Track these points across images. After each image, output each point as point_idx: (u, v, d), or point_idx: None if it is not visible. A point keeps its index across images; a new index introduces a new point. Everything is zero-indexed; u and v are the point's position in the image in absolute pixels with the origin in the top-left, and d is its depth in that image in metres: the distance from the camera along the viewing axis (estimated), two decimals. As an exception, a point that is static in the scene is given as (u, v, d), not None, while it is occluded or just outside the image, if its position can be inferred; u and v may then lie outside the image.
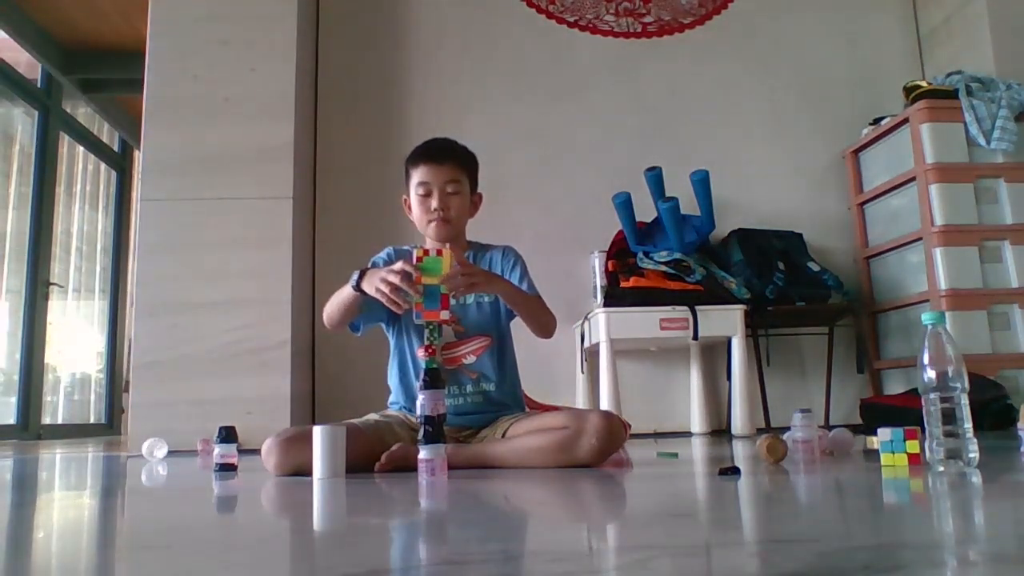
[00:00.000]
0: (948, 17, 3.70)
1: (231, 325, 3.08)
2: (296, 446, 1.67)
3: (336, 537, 1.02)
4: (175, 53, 3.27)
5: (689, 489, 1.41)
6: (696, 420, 3.41)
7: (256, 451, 1.82)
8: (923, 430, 1.40)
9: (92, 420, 5.72)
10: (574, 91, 3.76)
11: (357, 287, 1.76)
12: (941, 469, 1.33)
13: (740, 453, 2.17)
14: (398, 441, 1.74)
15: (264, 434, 1.78)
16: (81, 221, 5.61)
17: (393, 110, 3.71)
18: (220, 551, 0.89)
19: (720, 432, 3.39)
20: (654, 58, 3.82)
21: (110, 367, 5.77)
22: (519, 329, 1.95)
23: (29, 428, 4.63)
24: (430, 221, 1.91)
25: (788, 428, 1.85)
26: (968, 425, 1.33)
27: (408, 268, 1.68)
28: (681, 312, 3.07)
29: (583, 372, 3.36)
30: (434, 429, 1.52)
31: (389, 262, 1.88)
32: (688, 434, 3.36)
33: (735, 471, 1.47)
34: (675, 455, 2.06)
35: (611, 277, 3.29)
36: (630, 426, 2.02)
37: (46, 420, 4.95)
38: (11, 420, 4.59)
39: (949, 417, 1.32)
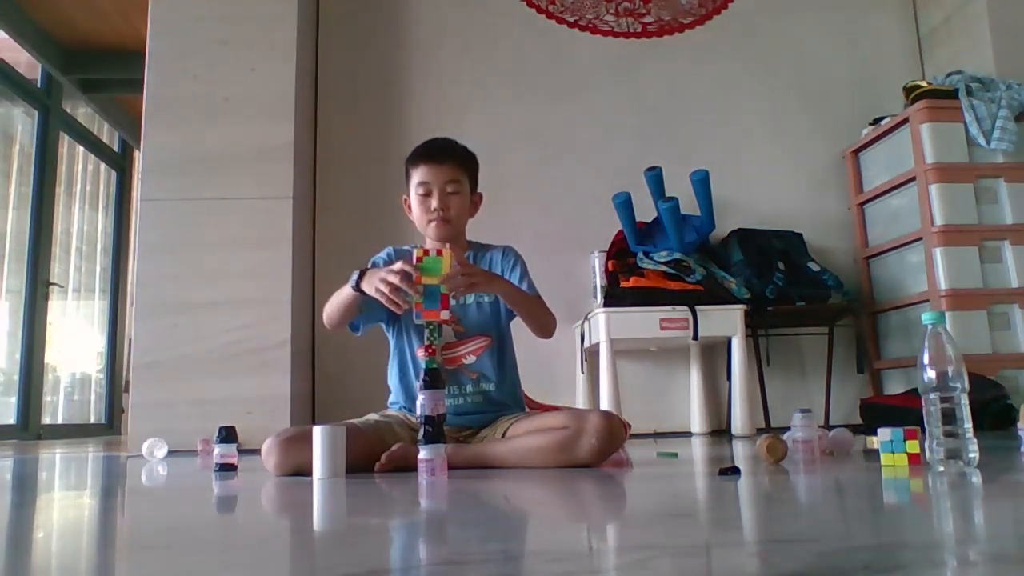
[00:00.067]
0: (948, 17, 3.70)
1: (231, 325, 3.08)
2: (296, 446, 1.67)
3: (336, 537, 1.01)
4: (175, 53, 3.27)
5: (689, 489, 1.41)
6: (696, 420, 3.41)
7: (256, 451, 1.82)
8: (923, 430, 1.40)
9: (92, 420, 5.72)
10: (574, 91, 3.76)
11: (357, 287, 1.76)
12: (941, 469, 1.33)
13: (740, 453, 2.17)
14: (398, 441, 1.74)
15: (264, 434, 1.78)
16: (81, 221, 5.61)
17: (393, 110, 3.71)
18: (220, 551, 0.89)
19: (720, 432, 3.39)
20: (654, 58, 3.82)
21: (110, 367, 5.78)
22: (519, 329, 1.95)
23: (29, 428, 4.63)
24: (430, 221, 1.91)
25: (788, 428, 1.85)
26: (968, 425, 1.33)
27: (408, 268, 1.68)
28: (681, 312, 3.07)
29: (583, 372, 3.36)
30: (434, 429, 1.52)
31: (389, 262, 1.88)
32: (688, 434, 3.36)
33: (735, 471, 1.47)
34: (675, 455, 2.06)
35: (611, 277, 3.29)
36: (630, 426, 2.02)
37: (46, 420, 4.95)
38: (11, 420, 4.59)
39: (949, 417, 1.32)
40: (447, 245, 1.83)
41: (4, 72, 4.54)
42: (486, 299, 1.92)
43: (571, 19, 3.84)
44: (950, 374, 1.32)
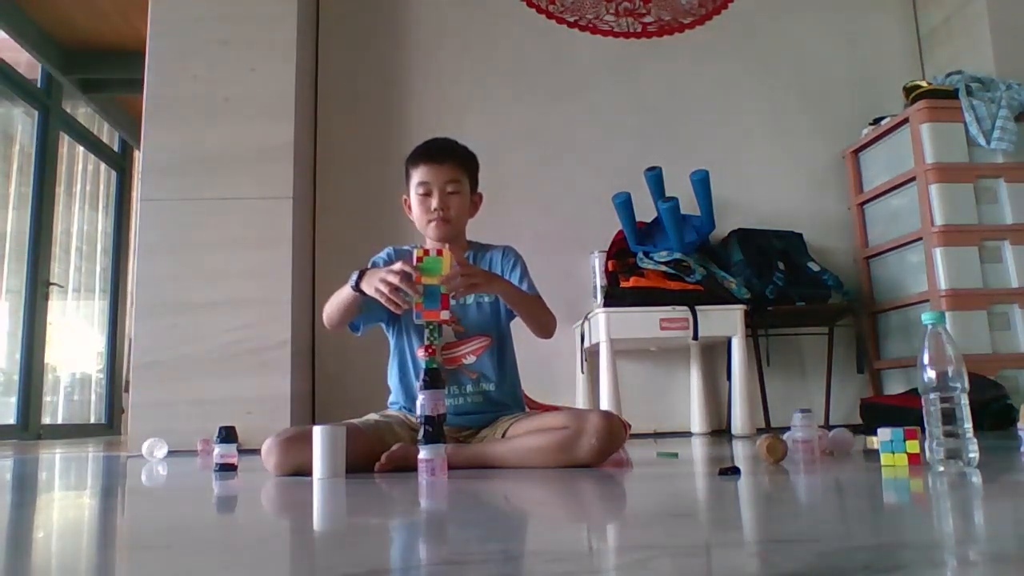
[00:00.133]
0: (948, 17, 3.70)
1: (231, 325, 3.08)
2: (296, 446, 1.67)
3: (336, 537, 1.01)
4: (175, 53, 3.27)
5: (689, 489, 1.41)
6: (696, 420, 3.41)
7: (256, 451, 1.82)
8: (923, 430, 1.40)
9: (92, 420, 5.72)
10: (574, 91, 3.76)
11: (356, 287, 1.76)
12: (941, 469, 1.33)
13: (740, 453, 2.17)
14: (398, 441, 1.74)
15: (264, 434, 1.78)
16: (81, 221, 5.61)
17: (393, 110, 3.72)
18: (220, 551, 0.89)
19: (720, 432, 3.39)
20: (654, 58, 3.82)
21: (110, 367, 5.78)
22: (519, 329, 1.95)
23: (29, 428, 4.63)
24: (430, 221, 1.91)
25: (788, 428, 1.85)
26: (968, 425, 1.33)
27: (407, 268, 1.68)
28: (681, 312, 3.07)
29: (583, 372, 3.36)
30: (434, 429, 1.52)
31: (389, 262, 1.88)
32: (688, 434, 3.36)
33: (735, 471, 1.47)
34: (675, 455, 2.06)
35: (611, 277, 3.29)
36: (630, 426, 2.02)
37: (46, 420, 4.95)
38: (11, 420, 4.59)
39: (949, 417, 1.32)
40: (447, 245, 1.83)
41: (4, 72, 4.54)
42: (486, 299, 1.92)
43: (571, 19, 3.84)
44: (950, 374, 1.32)
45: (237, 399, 2.98)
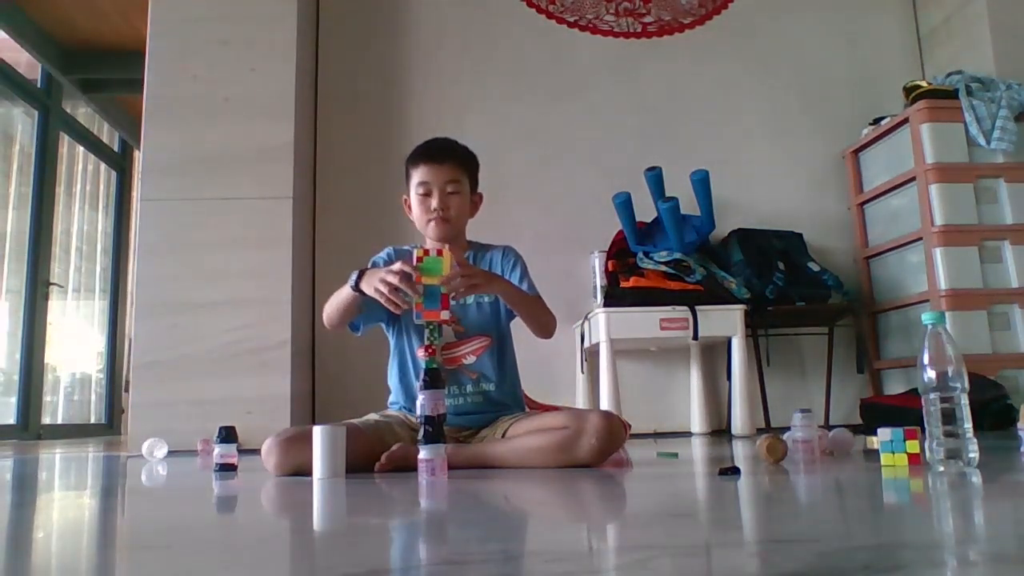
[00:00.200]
0: (948, 17, 3.70)
1: (231, 325, 3.08)
2: (296, 446, 1.67)
3: (336, 537, 1.01)
4: (175, 53, 3.27)
5: (689, 489, 1.41)
6: (696, 420, 3.41)
7: (256, 451, 1.82)
8: (923, 430, 1.40)
9: (92, 420, 5.72)
10: (574, 91, 3.76)
11: (356, 287, 1.76)
12: (941, 469, 1.33)
13: (740, 453, 2.17)
14: (398, 441, 1.74)
15: (264, 434, 1.78)
16: (81, 221, 5.61)
17: (393, 110, 3.71)
18: (220, 551, 0.89)
19: (720, 432, 3.39)
20: (654, 58, 3.82)
21: (110, 367, 5.78)
22: (519, 329, 1.95)
23: (29, 428, 4.63)
24: (430, 221, 1.91)
25: (788, 428, 1.85)
26: (968, 425, 1.33)
27: (407, 268, 1.68)
28: (681, 312, 3.07)
29: (583, 372, 3.36)
30: (434, 429, 1.52)
31: (389, 262, 1.88)
32: (688, 434, 3.36)
33: (735, 471, 1.47)
34: (675, 455, 2.06)
35: (611, 277, 3.29)
36: (630, 426, 2.02)
37: (46, 420, 4.95)
38: (11, 420, 4.59)
39: (949, 417, 1.32)
40: (447, 245, 1.82)
41: (4, 72, 4.54)
42: (486, 299, 1.92)
43: (571, 19, 3.84)
44: (950, 374, 1.32)
45: (237, 399, 2.98)
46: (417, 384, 1.57)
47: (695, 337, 3.07)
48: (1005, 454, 1.70)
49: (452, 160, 1.93)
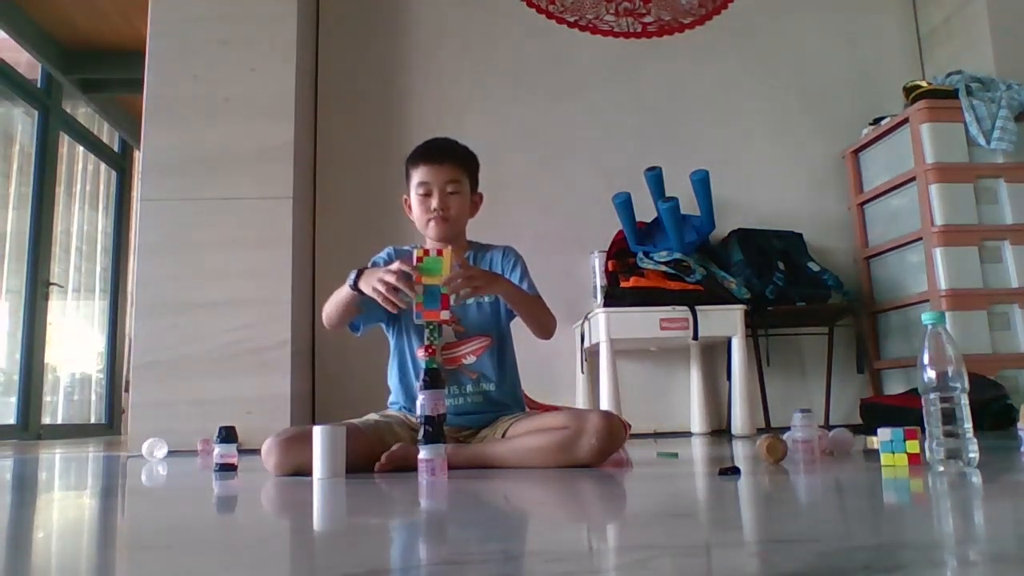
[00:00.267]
0: (948, 17, 3.70)
1: (231, 325, 3.08)
2: (296, 446, 1.67)
3: (336, 537, 1.01)
4: (175, 53, 3.27)
5: (689, 489, 1.41)
6: (696, 420, 3.41)
7: (256, 451, 1.82)
8: (923, 430, 1.40)
9: (92, 420, 5.72)
10: (574, 91, 3.76)
11: (354, 287, 1.76)
12: (941, 469, 1.33)
13: (740, 453, 2.17)
14: (398, 441, 1.74)
15: (264, 434, 1.78)
16: (81, 221, 5.61)
17: (393, 110, 3.72)
18: (220, 551, 0.89)
19: (720, 432, 3.39)
20: (654, 58, 3.82)
21: (110, 367, 5.78)
22: (519, 329, 1.95)
23: (29, 428, 4.63)
24: (430, 220, 1.91)
25: (788, 428, 1.85)
26: (968, 425, 1.33)
27: (406, 268, 1.68)
28: (681, 312, 3.07)
29: (583, 372, 3.36)
30: (434, 429, 1.52)
31: (389, 262, 1.88)
32: (688, 434, 3.36)
33: (735, 471, 1.47)
34: (675, 455, 2.06)
35: (611, 277, 3.29)
36: (630, 426, 2.02)
37: (46, 420, 4.95)
38: (11, 420, 4.59)
39: (949, 417, 1.32)
40: (448, 245, 1.82)
41: (4, 72, 4.54)
42: (486, 299, 1.92)
43: (571, 19, 3.84)
44: (950, 374, 1.32)
45: (237, 399, 2.98)
46: (417, 384, 1.57)
47: (695, 337, 3.07)
48: (1005, 454, 1.70)
49: (452, 160, 1.93)
